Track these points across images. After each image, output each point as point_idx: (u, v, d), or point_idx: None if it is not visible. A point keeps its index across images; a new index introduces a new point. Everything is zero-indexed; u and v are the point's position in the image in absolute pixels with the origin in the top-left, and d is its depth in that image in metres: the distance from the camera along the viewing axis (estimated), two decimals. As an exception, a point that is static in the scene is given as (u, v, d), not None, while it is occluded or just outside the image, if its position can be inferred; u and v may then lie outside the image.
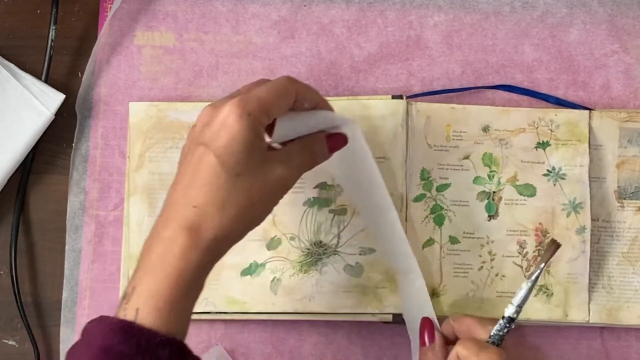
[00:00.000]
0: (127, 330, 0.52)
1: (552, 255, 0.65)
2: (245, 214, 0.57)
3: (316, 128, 0.63)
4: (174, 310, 0.54)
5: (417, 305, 0.69)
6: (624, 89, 0.76)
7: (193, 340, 0.59)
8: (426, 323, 0.68)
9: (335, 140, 0.64)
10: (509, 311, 0.64)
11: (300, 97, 0.60)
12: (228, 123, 0.56)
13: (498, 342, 0.63)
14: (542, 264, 0.64)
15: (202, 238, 0.55)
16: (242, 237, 0.59)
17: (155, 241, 0.56)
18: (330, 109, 0.63)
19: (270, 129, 0.59)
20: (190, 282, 0.55)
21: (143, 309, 0.53)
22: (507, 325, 0.64)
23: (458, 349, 0.63)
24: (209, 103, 0.59)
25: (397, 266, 0.70)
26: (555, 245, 0.65)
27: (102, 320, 0.54)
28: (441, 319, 0.71)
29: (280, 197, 0.60)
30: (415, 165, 0.72)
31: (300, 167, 0.61)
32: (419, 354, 0.68)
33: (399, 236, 0.68)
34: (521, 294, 0.64)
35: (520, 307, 0.63)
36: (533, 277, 0.64)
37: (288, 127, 0.61)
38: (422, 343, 0.67)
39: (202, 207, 0.55)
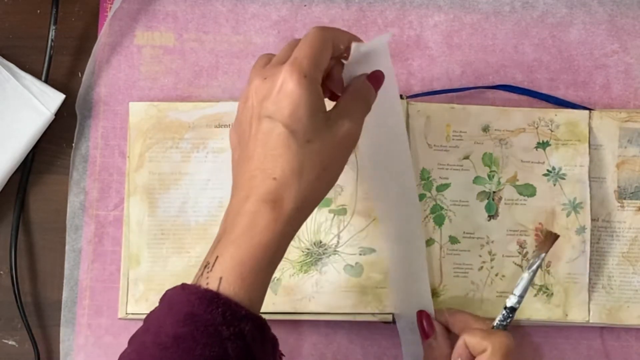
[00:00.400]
0: (214, 299, 0.53)
1: (552, 245, 0.67)
2: (321, 179, 0.58)
3: (358, 68, 0.62)
4: (257, 279, 0.55)
5: (417, 303, 0.70)
6: (624, 89, 0.76)
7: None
8: (423, 315, 0.68)
9: (376, 78, 0.63)
10: (511, 301, 0.66)
11: (335, 41, 0.60)
12: (288, 90, 0.55)
13: None
14: (543, 254, 0.66)
15: (284, 209, 0.56)
16: (319, 202, 0.59)
17: (238, 215, 0.56)
18: (360, 40, 0.62)
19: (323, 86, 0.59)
20: (274, 253, 0.56)
21: (227, 277, 0.54)
22: (510, 315, 0.66)
23: (465, 338, 0.64)
24: (255, 73, 0.58)
25: (405, 256, 0.70)
26: (554, 236, 0.66)
27: (185, 288, 0.55)
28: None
29: (350, 153, 0.60)
30: (415, 165, 0.72)
31: (360, 116, 0.61)
32: (424, 348, 0.68)
33: (416, 222, 0.69)
34: (522, 284, 0.66)
35: (522, 297, 0.65)
36: (534, 267, 0.66)
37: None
38: (424, 336, 0.68)
39: (280, 178, 0.56)
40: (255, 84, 0.57)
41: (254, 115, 0.57)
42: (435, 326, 0.68)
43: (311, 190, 0.57)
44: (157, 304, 0.69)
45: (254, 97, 0.57)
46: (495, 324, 0.66)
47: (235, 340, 0.52)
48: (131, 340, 0.56)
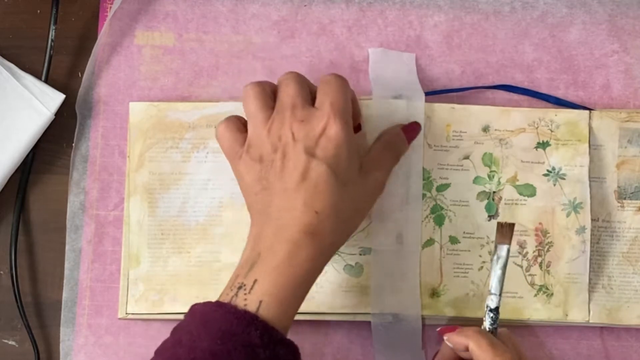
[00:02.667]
0: (252, 320, 0.55)
1: (512, 234, 0.66)
2: (352, 219, 0.62)
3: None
4: (292, 306, 0.58)
5: (402, 303, 0.70)
6: (624, 89, 0.76)
7: (193, 340, 0.59)
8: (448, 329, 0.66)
9: (412, 131, 0.68)
10: (494, 302, 0.65)
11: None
12: (332, 134, 0.60)
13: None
14: (508, 246, 0.65)
15: (323, 243, 0.59)
16: (344, 242, 0.63)
17: (277, 242, 0.59)
18: (356, 100, 0.68)
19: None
20: (309, 282, 0.60)
21: (267, 301, 0.56)
22: (497, 315, 0.65)
23: (471, 346, 0.63)
24: (283, 113, 0.62)
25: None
26: (511, 226, 0.66)
27: (221, 306, 0.56)
28: (441, 318, 0.71)
29: (376, 200, 0.65)
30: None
31: (390, 166, 0.66)
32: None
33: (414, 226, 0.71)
34: (496, 281, 0.65)
35: (501, 294, 0.65)
36: (504, 261, 0.65)
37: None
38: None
39: (322, 213, 0.59)
40: (292, 125, 0.61)
41: (294, 152, 0.60)
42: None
43: (345, 228, 0.62)
44: (157, 304, 0.69)
45: (292, 136, 0.60)
46: (487, 329, 0.65)
47: None
48: (159, 352, 0.57)
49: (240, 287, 0.57)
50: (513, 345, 0.65)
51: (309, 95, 0.63)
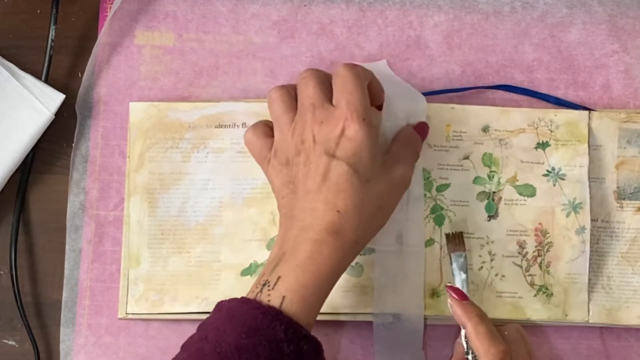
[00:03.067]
0: (277, 316, 0.56)
1: (464, 241, 0.70)
2: (377, 216, 0.63)
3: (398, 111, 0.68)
4: (316, 303, 0.59)
5: (405, 302, 0.70)
6: (624, 89, 0.76)
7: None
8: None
9: (422, 130, 0.69)
10: (463, 285, 0.69)
11: (366, 79, 0.65)
12: (352, 134, 0.60)
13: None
14: (464, 252, 0.69)
15: (346, 240, 0.60)
16: (370, 240, 0.63)
17: (301, 242, 0.59)
18: (376, 79, 0.67)
19: None
20: (333, 280, 0.60)
21: (291, 297, 0.57)
22: None
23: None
24: (305, 115, 0.62)
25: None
26: (459, 234, 0.70)
27: (246, 302, 0.57)
28: (441, 318, 0.71)
29: (402, 194, 0.66)
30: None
31: (412, 162, 0.67)
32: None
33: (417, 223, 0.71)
34: (462, 286, 0.68)
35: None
36: (464, 268, 0.69)
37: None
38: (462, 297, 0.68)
39: (344, 211, 0.60)
40: (312, 128, 0.61)
41: (315, 154, 0.61)
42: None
43: (368, 225, 0.62)
44: (157, 304, 0.70)
45: (313, 138, 0.61)
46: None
47: (294, 358, 0.55)
48: (186, 346, 0.58)
49: (264, 284, 0.58)
50: (522, 339, 0.66)
51: (330, 90, 0.64)
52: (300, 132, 0.62)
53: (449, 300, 0.67)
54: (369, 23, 0.77)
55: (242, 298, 0.58)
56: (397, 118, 0.68)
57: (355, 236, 0.60)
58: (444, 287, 0.71)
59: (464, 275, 0.68)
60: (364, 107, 0.62)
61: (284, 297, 0.57)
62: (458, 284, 0.68)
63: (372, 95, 0.65)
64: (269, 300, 0.57)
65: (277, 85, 0.66)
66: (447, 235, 0.70)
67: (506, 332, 0.67)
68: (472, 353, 0.65)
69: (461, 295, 0.67)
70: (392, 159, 0.64)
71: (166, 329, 0.73)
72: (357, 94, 0.62)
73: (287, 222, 0.61)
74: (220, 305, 0.59)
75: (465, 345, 0.66)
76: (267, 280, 0.59)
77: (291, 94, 0.65)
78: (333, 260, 0.59)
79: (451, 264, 0.69)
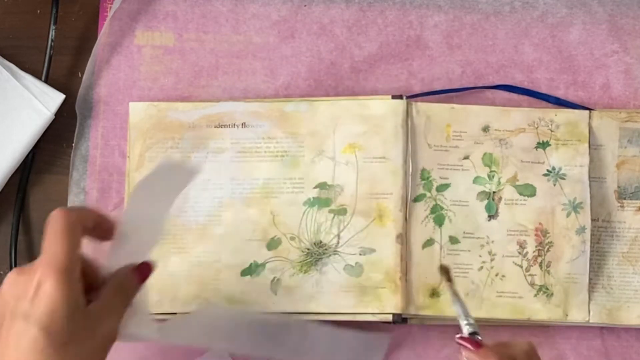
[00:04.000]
0: None
1: (450, 273, 0.67)
2: None
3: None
4: None
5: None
6: (624, 89, 0.76)
7: (193, 340, 0.59)
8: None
9: (144, 271, 0.59)
10: (470, 330, 0.60)
11: (82, 223, 0.55)
12: (47, 290, 0.51)
13: None
14: (452, 284, 0.65)
15: None
16: None
17: None
18: (102, 217, 0.58)
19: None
20: None
21: None
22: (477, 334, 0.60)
23: None
24: (15, 268, 0.54)
25: None
26: (446, 268, 0.68)
27: None
28: (441, 318, 0.71)
29: (110, 348, 0.56)
30: (415, 165, 0.72)
31: (120, 311, 0.57)
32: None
33: None
34: (462, 310, 0.61)
35: (472, 319, 0.60)
36: (457, 294, 0.63)
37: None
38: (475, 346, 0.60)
39: None
40: (10, 278, 0.53)
41: (7, 313, 0.52)
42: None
43: None
44: (157, 304, 0.68)
45: (8, 292, 0.53)
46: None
47: None
48: None
49: None
50: None
51: (71, 245, 0.53)
52: (5, 289, 0.53)
53: (463, 353, 0.58)
54: (369, 23, 0.77)
55: None
56: (132, 250, 0.59)
57: None
58: (444, 287, 0.71)
59: (462, 300, 0.62)
60: (66, 257, 0.52)
61: None
62: (461, 309, 0.61)
63: (98, 234, 0.57)
64: None
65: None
66: (440, 269, 0.68)
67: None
68: None
69: (475, 345, 0.58)
70: (98, 311, 0.55)
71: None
72: (60, 242, 0.53)
73: None
74: None
75: None
76: None
77: None
78: None
79: (450, 291, 0.65)
